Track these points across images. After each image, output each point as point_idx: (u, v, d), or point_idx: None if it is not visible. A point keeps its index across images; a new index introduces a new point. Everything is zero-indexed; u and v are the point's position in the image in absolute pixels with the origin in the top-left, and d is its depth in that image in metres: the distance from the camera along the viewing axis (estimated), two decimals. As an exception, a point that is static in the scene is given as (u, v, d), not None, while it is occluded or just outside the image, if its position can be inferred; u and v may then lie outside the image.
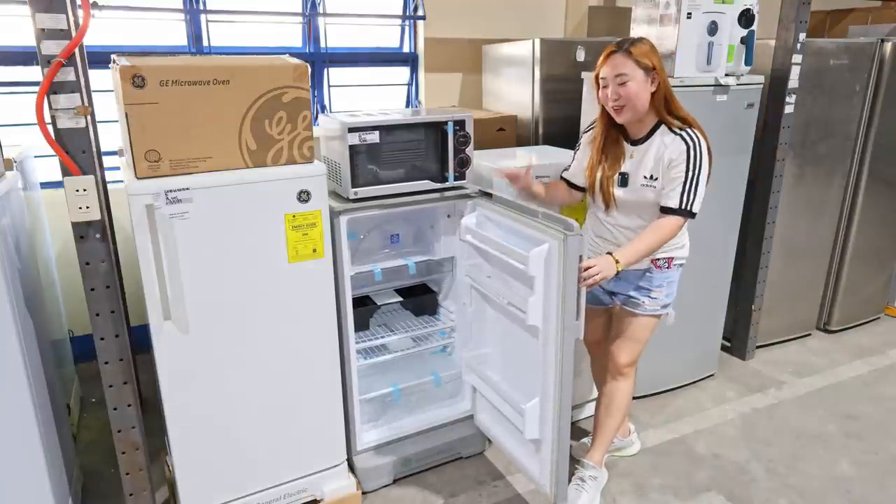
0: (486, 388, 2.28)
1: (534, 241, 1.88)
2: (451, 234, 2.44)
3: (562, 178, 2.30)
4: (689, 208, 1.94)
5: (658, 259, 2.09)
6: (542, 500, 2.29)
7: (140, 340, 2.23)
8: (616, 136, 2.10)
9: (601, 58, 2.00)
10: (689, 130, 1.97)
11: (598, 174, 2.12)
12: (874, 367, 3.29)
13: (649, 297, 2.12)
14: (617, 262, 1.89)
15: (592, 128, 2.17)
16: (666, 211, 1.97)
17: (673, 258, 2.11)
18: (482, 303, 2.30)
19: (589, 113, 2.60)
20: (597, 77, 2.02)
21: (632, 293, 2.14)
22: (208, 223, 1.78)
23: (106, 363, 1.83)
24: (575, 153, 2.26)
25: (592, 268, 1.84)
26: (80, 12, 1.66)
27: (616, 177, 2.08)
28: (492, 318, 2.27)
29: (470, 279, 2.28)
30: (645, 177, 2.01)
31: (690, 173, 1.93)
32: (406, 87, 3.98)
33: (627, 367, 2.21)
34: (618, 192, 2.08)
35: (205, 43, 3.31)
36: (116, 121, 2.23)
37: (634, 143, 2.06)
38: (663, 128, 2.00)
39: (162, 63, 1.71)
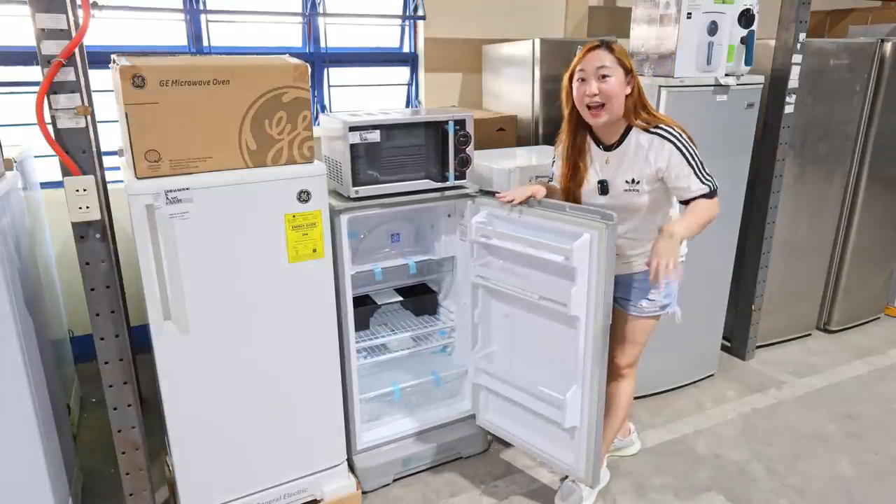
0: (504, 386, 2.27)
1: (569, 234, 1.91)
2: (451, 233, 2.44)
3: None
4: (711, 188, 1.90)
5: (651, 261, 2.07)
6: (542, 500, 2.29)
7: (140, 340, 2.23)
8: (583, 142, 2.05)
9: (579, 53, 1.94)
10: (661, 126, 1.91)
11: (571, 185, 2.08)
12: (874, 367, 3.29)
13: (646, 299, 2.10)
14: (671, 235, 1.79)
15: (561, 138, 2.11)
16: (696, 199, 1.91)
17: None
18: (490, 301, 2.29)
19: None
20: (571, 74, 1.96)
21: (629, 296, 2.12)
22: (208, 223, 1.78)
23: (106, 363, 1.83)
24: (552, 165, 2.21)
25: (661, 260, 1.76)
26: (80, 12, 1.67)
27: (595, 186, 2.04)
28: (501, 316, 2.27)
29: (481, 279, 2.26)
30: (627, 181, 1.97)
31: (693, 162, 1.89)
32: (406, 87, 3.98)
33: (627, 368, 2.20)
34: (599, 200, 2.03)
35: (205, 43, 3.31)
36: (116, 121, 2.23)
37: (608, 148, 2.01)
38: (635, 129, 1.95)
39: (162, 63, 1.71)
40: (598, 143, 2.04)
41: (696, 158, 1.90)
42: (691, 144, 1.91)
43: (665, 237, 1.80)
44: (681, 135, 1.91)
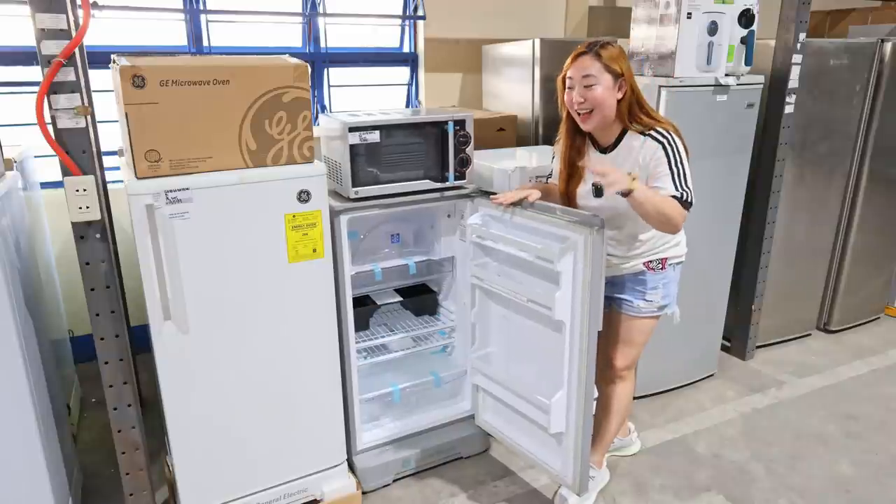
0: (497, 388, 2.27)
1: (557, 238, 1.89)
2: (451, 233, 2.44)
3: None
4: (685, 197, 1.85)
5: (651, 261, 2.06)
6: (541, 501, 2.29)
7: (140, 340, 2.23)
8: (580, 144, 2.04)
9: (569, 59, 1.93)
10: (656, 129, 1.89)
11: (568, 186, 2.07)
12: (874, 367, 3.29)
13: (644, 299, 2.09)
14: (634, 178, 1.76)
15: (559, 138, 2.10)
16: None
17: (666, 258, 2.07)
18: (487, 302, 2.29)
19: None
20: (563, 79, 1.96)
21: (626, 296, 2.11)
22: (208, 223, 1.78)
23: (106, 363, 1.83)
24: (552, 161, 2.20)
25: (609, 175, 1.75)
26: (80, 12, 1.67)
27: (591, 188, 2.01)
28: (498, 317, 2.27)
29: (476, 279, 2.26)
30: None
31: (675, 168, 1.86)
32: (406, 87, 3.98)
33: (625, 370, 2.19)
34: (594, 203, 2.00)
35: (205, 43, 3.31)
36: (116, 121, 2.23)
37: (604, 151, 2.00)
38: (630, 132, 1.93)
39: (162, 63, 1.71)
40: (595, 145, 2.04)
41: (679, 166, 1.87)
42: (681, 152, 1.88)
43: (628, 175, 1.77)
44: (673, 139, 1.88)
